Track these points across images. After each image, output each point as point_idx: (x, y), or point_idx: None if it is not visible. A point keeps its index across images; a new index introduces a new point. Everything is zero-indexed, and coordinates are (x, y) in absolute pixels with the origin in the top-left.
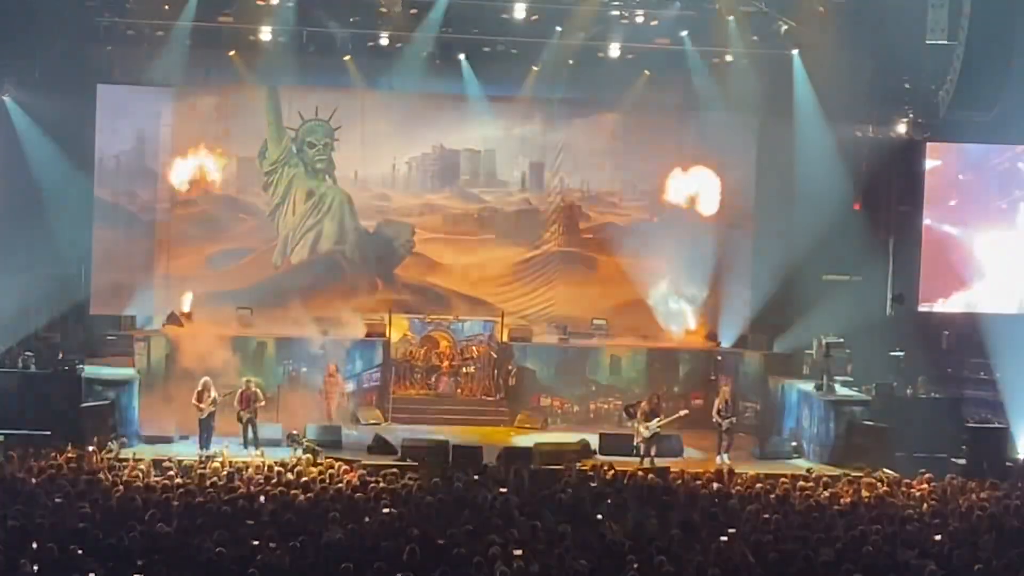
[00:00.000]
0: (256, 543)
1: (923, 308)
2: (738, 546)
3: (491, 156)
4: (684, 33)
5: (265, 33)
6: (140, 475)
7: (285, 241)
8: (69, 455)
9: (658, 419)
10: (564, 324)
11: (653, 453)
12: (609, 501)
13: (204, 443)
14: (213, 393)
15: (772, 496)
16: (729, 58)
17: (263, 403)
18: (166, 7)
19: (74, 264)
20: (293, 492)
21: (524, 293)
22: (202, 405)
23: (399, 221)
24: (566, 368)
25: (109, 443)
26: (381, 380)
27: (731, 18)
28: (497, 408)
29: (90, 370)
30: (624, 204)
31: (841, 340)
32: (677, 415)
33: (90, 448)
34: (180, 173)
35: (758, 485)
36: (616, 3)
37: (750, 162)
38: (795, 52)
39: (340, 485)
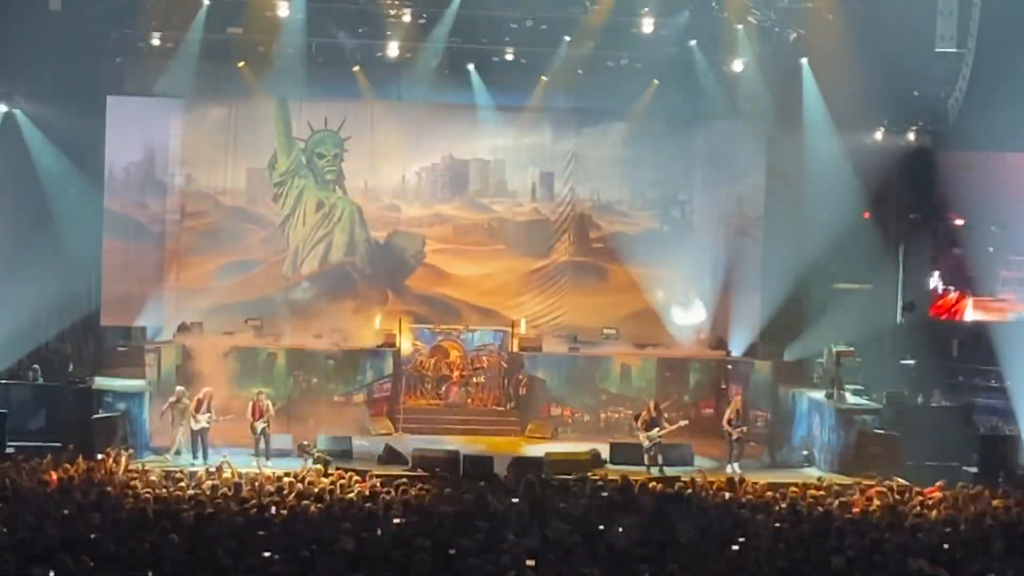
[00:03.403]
0: (267, 554)
1: (934, 316)
2: (749, 555)
3: (501, 166)
4: (693, 42)
5: (274, 44)
6: (151, 486)
7: (295, 252)
8: (80, 466)
9: (658, 429)
10: (574, 333)
11: (661, 462)
12: (620, 511)
13: (201, 455)
14: (212, 411)
15: (783, 505)
16: (738, 67)
17: (272, 414)
18: (175, 19)
19: (84, 276)
20: (304, 503)
21: (535, 303)
22: (198, 416)
23: (409, 232)
24: (576, 378)
25: (120, 454)
26: (391, 390)
27: (740, 27)
28: (507, 418)
29: (100, 381)
30: (634, 213)
31: (852, 348)
32: (677, 425)
33: (100, 458)
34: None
35: (769, 494)
36: (625, 12)
37: (759, 171)
38: (804, 61)
39: (351, 495)
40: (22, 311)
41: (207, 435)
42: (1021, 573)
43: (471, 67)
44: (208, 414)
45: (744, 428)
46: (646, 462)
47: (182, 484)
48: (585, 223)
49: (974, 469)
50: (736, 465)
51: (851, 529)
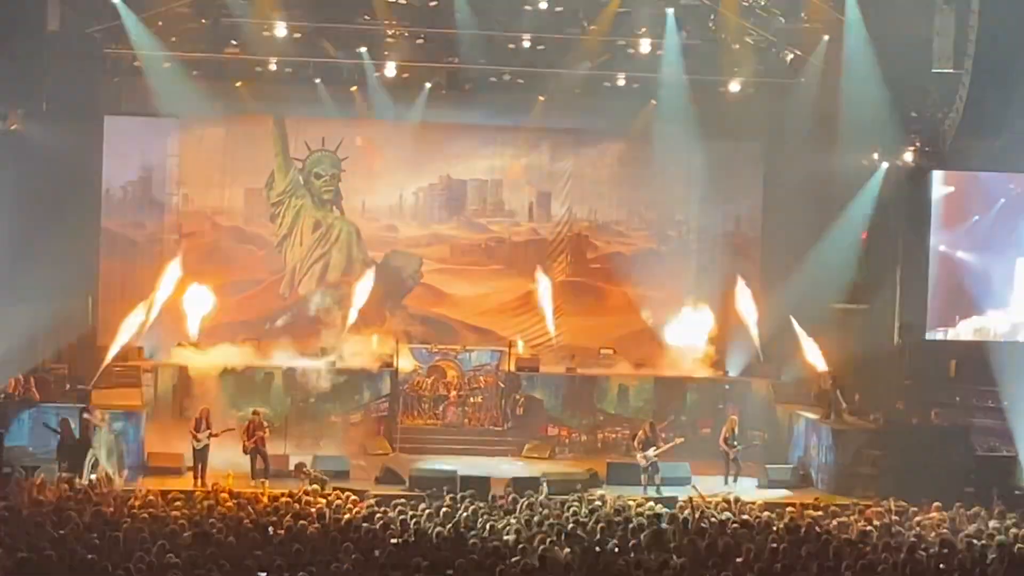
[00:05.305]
0: (263, 575)
1: (931, 336)
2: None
3: (498, 186)
4: (690, 62)
5: (272, 64)
6: (148, 506)
7: (292, 272)
8: (77, 486)
9: (655, 448)
10: (572, 353)
11: (659, 482)
12: (617, 531)
13: (199, 474)
14: (212, 426)
15: (780, 525)
16: (735, 87)
17: (266, 434)
18: (172, 39)
19: (81, 295)
20: (301, 523)
21: (532, 323)
22: (199, 435)
23: (407, 252)
24: (573, 397)
25: (115, 474)
26: (389, 410)
27: (737, 47)
28: (505, 438)
29: (97, 401)
30: (631, 233)
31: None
32: (673, 443)
33: (96, 478)
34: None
35: (766, 514)
36: (622, 33)
37: (757, 191)
38: (801, 81)
39: (348, 516)
40: (19, 330)
41: (207, 454)
42: None
43: (468, 87)
44: (207, 431)
45: (740, 447)
46: (643, 482)
47: (178, 504)
48: (582, 243)
49: (971, 489)
50: (733, 484)
51: (848, 550)
